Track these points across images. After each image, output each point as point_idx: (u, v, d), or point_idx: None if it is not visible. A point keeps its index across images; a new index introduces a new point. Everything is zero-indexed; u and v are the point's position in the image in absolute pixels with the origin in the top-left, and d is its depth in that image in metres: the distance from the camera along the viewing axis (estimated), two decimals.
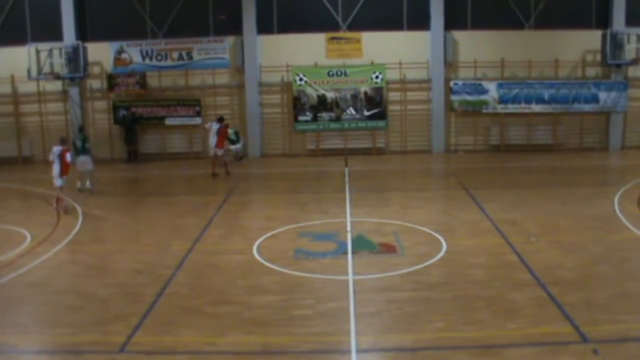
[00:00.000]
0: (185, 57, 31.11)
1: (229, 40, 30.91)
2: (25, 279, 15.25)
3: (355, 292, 13.38)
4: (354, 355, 10.66)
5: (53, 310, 13.48)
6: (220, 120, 27.17)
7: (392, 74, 30.36)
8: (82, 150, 24.34)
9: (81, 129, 26.47)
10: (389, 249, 16.27)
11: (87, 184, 24.42)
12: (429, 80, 30.53)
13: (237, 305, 13.00)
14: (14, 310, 13.50)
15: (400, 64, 30.07)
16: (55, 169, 21.22)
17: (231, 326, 12.03)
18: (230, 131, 28.44)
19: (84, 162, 24.22)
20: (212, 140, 26.66)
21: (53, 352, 11.53)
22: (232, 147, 29.20)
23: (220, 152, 26.78)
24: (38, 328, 12.16)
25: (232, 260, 15.92)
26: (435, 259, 15.33)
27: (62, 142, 21.82)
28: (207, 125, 27.52)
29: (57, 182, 21.32)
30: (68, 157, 21.20)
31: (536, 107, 30.65)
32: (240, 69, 30.91)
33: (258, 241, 17.15)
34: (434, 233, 17.35)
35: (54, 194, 21.81)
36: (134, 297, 13.71)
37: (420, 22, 30.23)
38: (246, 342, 11.33)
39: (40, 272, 15.61)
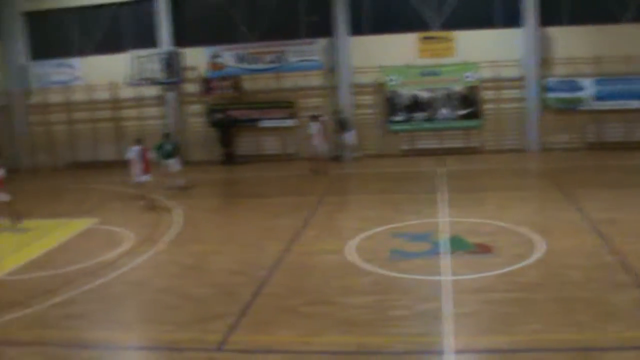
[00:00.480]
0: (277, 59, 31.44)
1: (321, 42, 31.08)
2: (127, 278, 15.73)
3: (450, 292, 13.31)
4: (449, 356, 10.62)
5: (154, 308, 13.88)
6: (314, 117, 27.45)
7: (485, 73, 30.00)
8: (171, 155, 25.56)
9: (168, 135, 27.07)
10: (484, 249, 16.10)
11: (177, 182, 25.64)
12: (522, 78, 30.02)
13: (332, 306, 13.09)
14: (117, 308, 13.96)
15: (493, 62, 29.72)
16: (138, 167, 22.69)
17: (326, 326, 12.13)
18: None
19: (174, 164, 25.69)
20: (316, 140, 27.15)
21: (155, 348, 11.87)
22: (346, 135, 29.43)
23: (322, 148, 27.25)
24: (140, 325, 12.52)
25: (327, 261, 16.02)
26: (532, 259, 15.07)
27: (139, 142, 23.23)
28: (310, 131, 27.73)
29: (141, 179, 23.00)
30: (149, 155, 22.14)
31: (635, 103, 29.76)
32: (332, 71, 31.05)
33: (353, 241, 17.20)
34: (530, 233, 17.07)
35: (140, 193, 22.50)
36: (231, 296, 13.96)
37: (512, 19, 29.76)
38: (341, 342, 11.41)
39: (141, 272, 16.07)
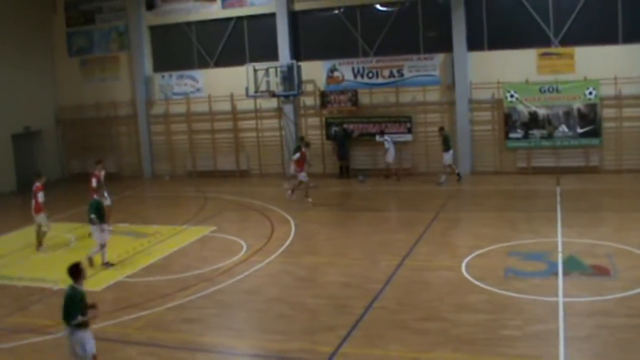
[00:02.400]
0: (395, 74, 31.37)
1: (439, 57, 30.84)
2: (241, 286, 16.01)
3: (565, 314, 12.95)
4: None
5: (265, 317, 14.06)
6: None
7: (607, 90, 29.06)
8: None
9: (302, 139, 28.72)
10: (602, 271, 15.60)
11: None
12: None
13: (445, 322, 12.96)
14: (230, 315, 14.22)
15: (615, 79, 28.79)
16: (300, 166, 25.93)
17: (438, 343, 12.01)
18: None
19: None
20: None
21: (265, 356, 12.04)
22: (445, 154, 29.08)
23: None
24: (251, 333, 12.71)
25: (440, 277, 15.87)
26: None
27: (306, 145, 27.27)
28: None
29: (302, 177, 25.83)
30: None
31: None
32: (450, 86, 30.75)
33: (467, 259, 16.98)
34: None
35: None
36: (342, 309, 14.00)
37: (635, 34, 28.72)
38: (452, 359, 11.28)
39: (254, 280, 16.31)
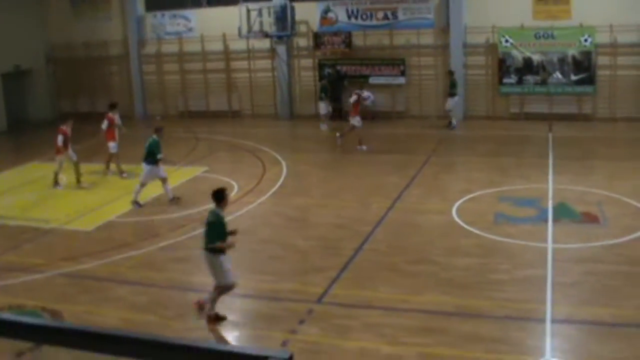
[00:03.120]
0: (390, 16, 31.11)
1: (434, 0, 30.58)
2: (232, 227, 16.02)
3: (553, 260, 13.06)
4: (549, 324, 10.45)
5: (257, 258, 14.16)
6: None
7: (602, 37, 28.87)
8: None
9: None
10: (591, 218, 15.70)
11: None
12: None
13: (435, 265, 13.07)
14: None
15: (611, 26, 28.57)
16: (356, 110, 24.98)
17: (427, 286, 12.13)
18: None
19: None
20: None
21: (255, 296, 12.14)
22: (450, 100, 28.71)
23: None
24: (243, 273, 12.75)
25: (431, 221, 15.97)
26: None
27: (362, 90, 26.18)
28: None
29: (355, 122, 24.75)
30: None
31: None
32: (445, 30, 30.52)
33: (458, 203, 17.05)
34: None
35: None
36: (333, 250, 14.10)
37: None
38: (441, 302, 11.39)
39: (246, 221, 16.36)
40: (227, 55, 33.46)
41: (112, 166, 21.90)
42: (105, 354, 2.53)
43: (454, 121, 28.38)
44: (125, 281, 13.08)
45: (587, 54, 28.84)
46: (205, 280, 11.49)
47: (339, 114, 31.38)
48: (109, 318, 11.40)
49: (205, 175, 21.27)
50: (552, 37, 29.04)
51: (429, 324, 10.74)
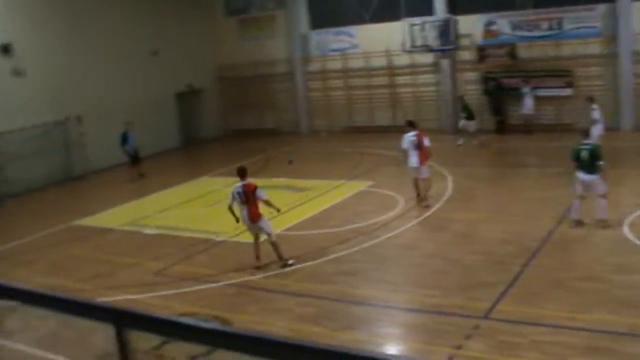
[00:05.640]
0: (555, 26, 30.35)
1: (601, 7, 29.52)
2: (397, 241, 16.15)
3: None
4: None
5: (421, 272, 14.16)
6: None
7: None
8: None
9: (462, 98, 29.63)
10: None
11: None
12: None
13: (604, 283, 12.61)
14: (387, 269, 14.41)
15: None
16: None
17: (596, 303, 11.72)
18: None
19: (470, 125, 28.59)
20: None
21: (420, 311, 12.15)
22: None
23: None
24: (408, 287, 12.84)
25: (600, 236, 15.41)
26: None
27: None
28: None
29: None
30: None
31: None
32: (612, 38, 29.43)
33: (629, 218, 16.36)
34: None
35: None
36: (500, 266, 13.89)
37: None
38: (610, 322, 10.96)
39: (411, 235, 16.42)
40: (390, 70, 33.67)
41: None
42: None
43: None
44: (292, 293, 13.41)
45: None
46: (372, 294, 11.61)
47: (502, 128, 30.89)
48: (276, 328, 11.73)
49: (370, 190, 21.48)
50: None
51: (596, 343, 10.38)
